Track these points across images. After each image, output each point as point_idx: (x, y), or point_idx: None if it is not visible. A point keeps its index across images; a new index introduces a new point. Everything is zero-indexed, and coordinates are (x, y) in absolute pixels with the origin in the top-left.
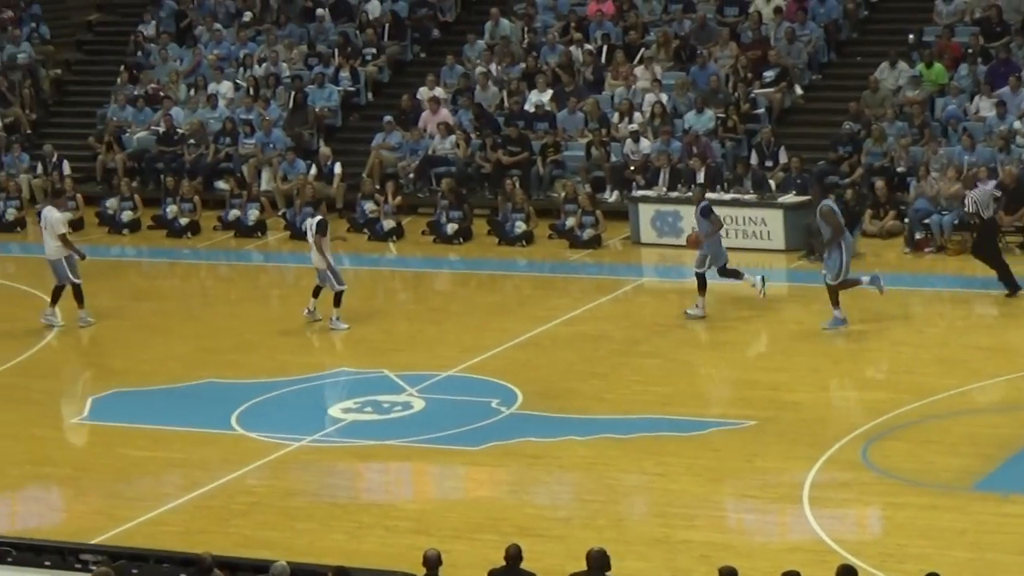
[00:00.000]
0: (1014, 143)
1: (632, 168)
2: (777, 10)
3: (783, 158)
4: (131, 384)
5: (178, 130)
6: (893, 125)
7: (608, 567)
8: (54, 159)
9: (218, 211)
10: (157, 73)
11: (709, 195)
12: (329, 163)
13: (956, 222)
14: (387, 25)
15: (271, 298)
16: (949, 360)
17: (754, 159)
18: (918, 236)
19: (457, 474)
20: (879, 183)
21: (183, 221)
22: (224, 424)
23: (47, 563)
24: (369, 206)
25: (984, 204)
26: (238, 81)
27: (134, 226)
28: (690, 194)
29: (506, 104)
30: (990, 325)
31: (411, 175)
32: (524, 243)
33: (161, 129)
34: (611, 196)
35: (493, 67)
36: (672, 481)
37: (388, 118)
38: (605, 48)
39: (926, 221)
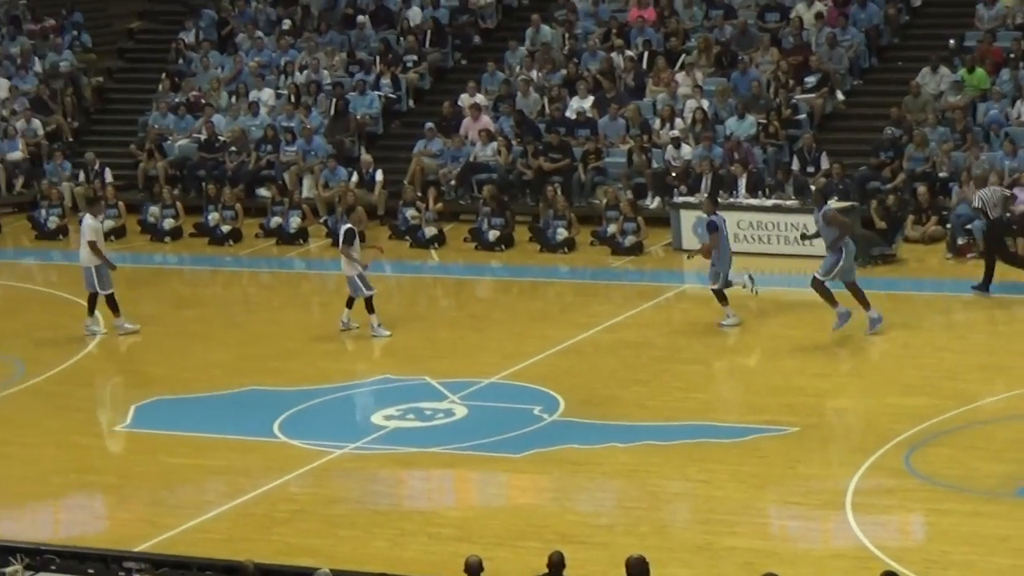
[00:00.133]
0: None
1: (674, 174)
2: (818, 15)
3: (825, 164)
4: (173, 392)
5: (220, 137)
6: (935, 130)
7: (647, 574)
8: (96, 167)
9: (260, 218)
10: (198, 81)
11: (751, 201)
12: (371, 170)
13: None
14: (428, 32)
15: (313, 305)
16: (992, 366)
17: (795, 165)
18: (960, 241)
19: (499, 481)
20: (921, 188)
21: (225, 228)
22: (267, 431)
23: (91, 571)
24: (411, 213)
25: (992, 204)
26: (279, 88)
27: (176, 233)
28: (732, 200)
29: (547, 111)
30: None
31: (452, 182)
32: (566, 250)
33: (203, 136)
34: (653, 202)
35: (534, 74)
36: (715, 488)
37: (429, 125)
38: (646, 54)
39: (968, 226)
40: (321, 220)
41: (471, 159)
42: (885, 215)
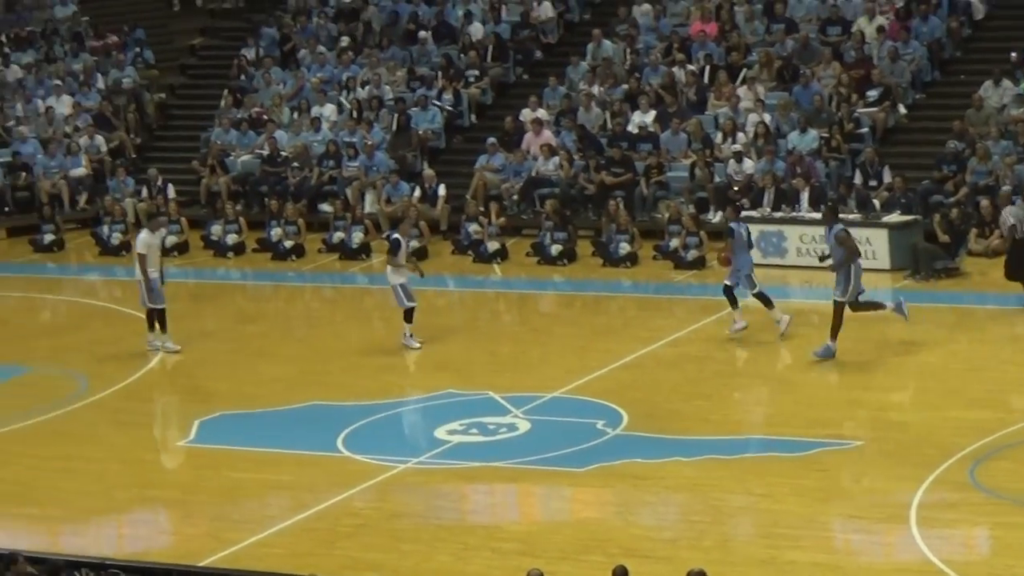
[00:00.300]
0: None
1: (736, 188)
2: (880, 29)
3: (887, 177)
4: (236, 407)
5: (282, 153)
6: (998, 144)
7: None
8: (159, 183)
9: (322, 233)
10: (260, 96)
11: (814, 215)
12: (433, 185)
13: None
14: (490, 47)
15: (375, 320)
16: None
17: (858, 179)
18: None
19: (563, 495)
20: (984, 202)
21: (287, 244)
22: (330, 446)
23: None
24: (473, 228)
25: (1021, 220)
26: (342, 103)
27: (239, 249)
28: (794, 214)
29: (609, 125)
30: None
31: (515, 196)
32: (628, 264)
33: (265, 152)
34: (715, 216)
35: (596, 88)
36: (778, 502)
37: (491, 140)
38: (708, 68)
39: None
40: (383, 235)
41: (533, 174)
42: (948, 229)
